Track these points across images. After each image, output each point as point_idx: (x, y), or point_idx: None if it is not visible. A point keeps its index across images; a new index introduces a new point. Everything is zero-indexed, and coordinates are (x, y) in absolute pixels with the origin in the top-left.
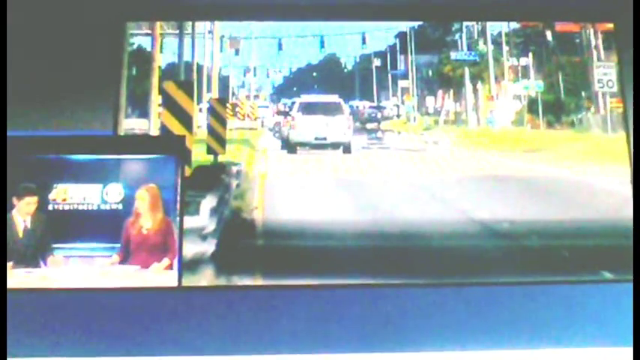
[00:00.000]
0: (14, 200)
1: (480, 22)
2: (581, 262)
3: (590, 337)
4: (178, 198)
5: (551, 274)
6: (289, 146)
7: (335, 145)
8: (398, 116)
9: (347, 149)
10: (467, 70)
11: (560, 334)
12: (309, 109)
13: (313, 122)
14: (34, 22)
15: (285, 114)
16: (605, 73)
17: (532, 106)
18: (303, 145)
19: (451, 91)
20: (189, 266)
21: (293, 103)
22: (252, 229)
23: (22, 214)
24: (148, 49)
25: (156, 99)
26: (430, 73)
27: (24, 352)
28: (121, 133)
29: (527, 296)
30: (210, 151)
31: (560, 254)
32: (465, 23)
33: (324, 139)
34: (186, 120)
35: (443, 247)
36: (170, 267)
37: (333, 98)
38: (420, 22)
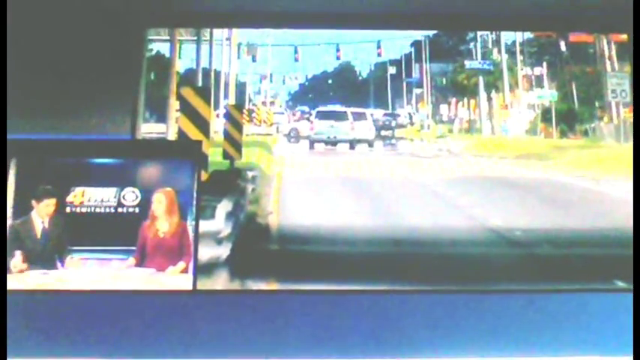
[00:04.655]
0: (33, 202)
1: (494, 32)
2: (594, 271)
3: (602, 345)
4: (194, 202)
5: (563, 282)
6: (310, 143)
7: (342, 142)
8: (412, 124)
9: (352, 146)
10: (481, 79)
11: (572, 343)
12: (323, 115)
13: (326, 125)
14: (54, 27)
15: (308, 120)
16: (619, 83)
17: (546, 115)
18: (319, 141)
19: (465, 100)
20: (204, 270)
21: (310, 112)
22: (268, 234)
23: (41, 215)
24: (167, 54)
25: (174, 104)
26: (444, 81)
27: (37, 353)
28: (139, 137)
29: (538, 304)
30: (226, 155)
31: (573, 262)
32: (479, 33)
33: (335, 137)
34: (203, 125)
35: (455, 253)
36: (185, 270)
37: (342, 108)
38: (435, 31)
